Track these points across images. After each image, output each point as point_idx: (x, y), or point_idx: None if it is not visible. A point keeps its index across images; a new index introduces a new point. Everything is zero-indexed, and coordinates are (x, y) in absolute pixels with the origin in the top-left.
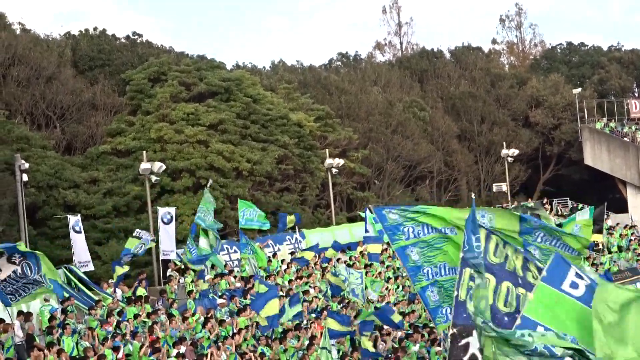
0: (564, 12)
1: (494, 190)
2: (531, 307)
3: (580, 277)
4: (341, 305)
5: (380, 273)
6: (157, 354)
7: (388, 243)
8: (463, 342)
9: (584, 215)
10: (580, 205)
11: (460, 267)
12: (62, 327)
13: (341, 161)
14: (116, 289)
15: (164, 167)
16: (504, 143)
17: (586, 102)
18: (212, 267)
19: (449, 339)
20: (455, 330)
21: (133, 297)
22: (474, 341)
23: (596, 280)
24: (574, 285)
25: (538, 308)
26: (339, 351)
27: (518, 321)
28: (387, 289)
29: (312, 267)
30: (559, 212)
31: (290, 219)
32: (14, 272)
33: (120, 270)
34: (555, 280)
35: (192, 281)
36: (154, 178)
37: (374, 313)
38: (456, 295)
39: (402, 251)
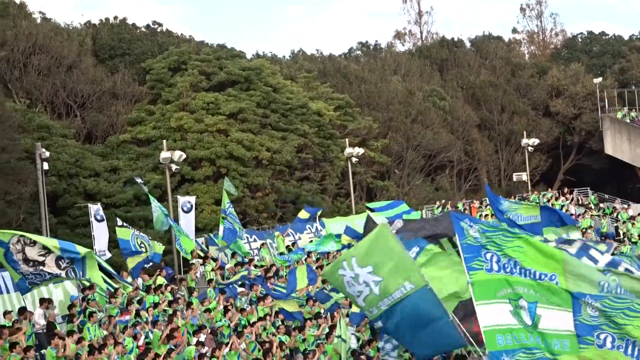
0: (584, 1)
1: (514, 179)
2: None
3: None
4: None
5: None
6: (173, 341)
7: None
8: None
9: None
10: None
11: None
12: (84, 314)
13: (361, 150)
14: (136, 278)
15: (184, 156)
16: (525, 132)
17: (607, 92)
18: (233, 255)
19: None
20: None
21: (153, 286)
22: None
23: None
24: None
25: None
26: (358, 339)
27: None
28: None
29: (333, 257)
30: (580, 202)
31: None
32: (50, 272)
33: (136, 260)
34: None
35: (212, 270)
36: (174, 167)
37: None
38: None
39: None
